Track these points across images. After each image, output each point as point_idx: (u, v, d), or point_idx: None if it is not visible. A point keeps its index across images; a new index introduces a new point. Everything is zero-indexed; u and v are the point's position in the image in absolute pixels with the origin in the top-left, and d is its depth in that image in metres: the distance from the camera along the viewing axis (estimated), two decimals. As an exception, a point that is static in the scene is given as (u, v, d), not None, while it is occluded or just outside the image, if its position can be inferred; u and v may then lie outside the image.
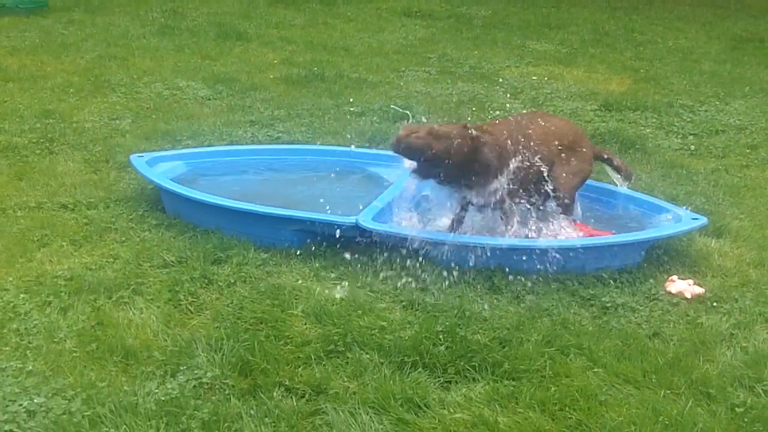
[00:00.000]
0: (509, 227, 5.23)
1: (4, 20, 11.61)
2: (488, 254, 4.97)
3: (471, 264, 4.98)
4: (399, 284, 4.86)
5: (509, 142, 5.14)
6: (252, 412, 3.76)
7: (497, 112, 8.04)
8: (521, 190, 5.24)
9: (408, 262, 5.01)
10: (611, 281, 4.98)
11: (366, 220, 5.12)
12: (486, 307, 4.66)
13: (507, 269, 4.92)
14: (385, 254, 5.08)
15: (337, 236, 5.12)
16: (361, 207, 5.30)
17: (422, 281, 4.89)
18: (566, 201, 5.36)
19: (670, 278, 5.03)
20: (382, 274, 4.95)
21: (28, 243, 5.27)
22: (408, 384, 3.95)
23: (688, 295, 4.87)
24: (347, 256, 5.07)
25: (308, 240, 5.20)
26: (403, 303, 4.70)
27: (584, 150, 5.51)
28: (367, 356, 4.17)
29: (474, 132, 5.02)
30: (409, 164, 5.14)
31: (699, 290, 4.92)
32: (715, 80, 9.93)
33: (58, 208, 5.78)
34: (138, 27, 11.59)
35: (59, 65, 9.58)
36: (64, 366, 4.04)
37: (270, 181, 6.19)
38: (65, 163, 6.66)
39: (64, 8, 12.54)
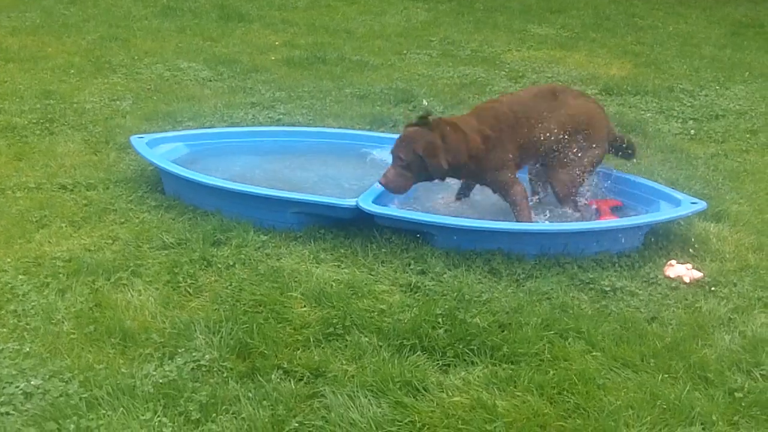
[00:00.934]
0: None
1: (5, 0, 11.57)
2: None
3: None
4: (399, 267, 4.86)
5: (490, 132, 5.23)
6: (250, 394, 3.77)
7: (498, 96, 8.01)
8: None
9: (408, 244, 5.01)
10: (610, 265, 4.98)
11: (366, 203, 5.12)
12: (485, 290, 4.66)
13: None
14: (385, 237, 5.08)
15: (338, 219, 5.13)
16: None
17: (422, 264, 4.89)
18: (565, 200, 5.44)
19: (669, 262, 5.03)
20: (381, 257, 4.95)
21: (27, 224, 5.27)
22: (407, 367, 3.95)
23: (687, 280, 4.86)
24: (346, 238, 5.07)
25: (309, 223, 5.20)
26: (403, 286, 4.70)
27: (595, 134, 5.48)
28: (366, 339, 4.17)
29: (433, 140, 5.09)
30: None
31: (698, 274, 4.92)
32: (716, 65, 9.89)
33: (57, 189, 5.77)
34: (140, 8, 11.55)
35: (60, 46, 9.55)
36: (62, 348, 4.05)
37: (271, 163, 6.17)
38: (65, 143, 6.65)
39: (66, -12, 12.49)
